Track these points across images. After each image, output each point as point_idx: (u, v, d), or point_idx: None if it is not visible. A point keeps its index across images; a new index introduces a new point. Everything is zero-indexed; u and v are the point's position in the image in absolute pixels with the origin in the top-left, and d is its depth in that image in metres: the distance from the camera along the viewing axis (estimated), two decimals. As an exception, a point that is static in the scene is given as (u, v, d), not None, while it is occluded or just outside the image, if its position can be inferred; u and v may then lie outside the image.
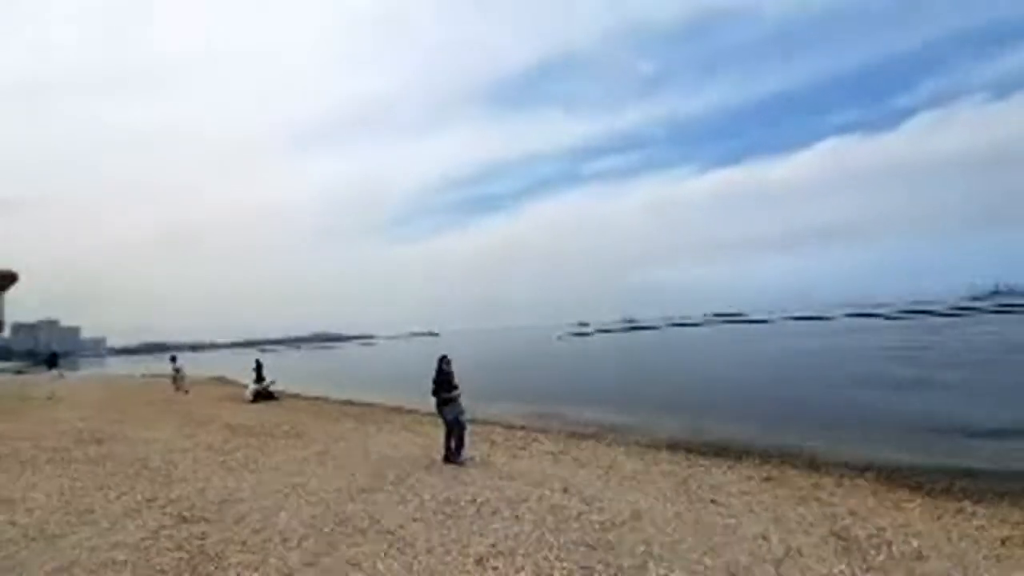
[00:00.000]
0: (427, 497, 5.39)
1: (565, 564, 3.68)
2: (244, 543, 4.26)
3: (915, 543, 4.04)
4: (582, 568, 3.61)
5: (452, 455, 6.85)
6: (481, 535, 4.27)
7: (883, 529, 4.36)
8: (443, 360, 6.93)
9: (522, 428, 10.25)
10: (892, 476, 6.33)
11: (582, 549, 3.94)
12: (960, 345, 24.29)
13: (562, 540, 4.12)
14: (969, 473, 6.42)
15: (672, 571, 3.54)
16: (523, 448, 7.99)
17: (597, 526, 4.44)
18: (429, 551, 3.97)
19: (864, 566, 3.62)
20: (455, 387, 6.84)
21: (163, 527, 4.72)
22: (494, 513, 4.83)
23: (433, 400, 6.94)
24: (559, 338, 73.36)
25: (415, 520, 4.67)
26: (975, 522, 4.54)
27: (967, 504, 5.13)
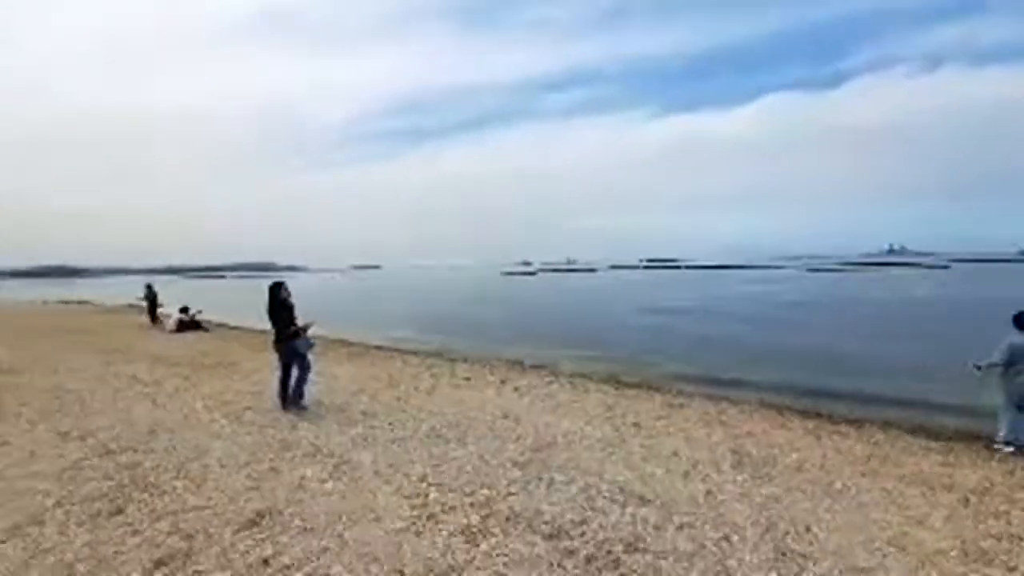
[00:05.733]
0: (372, 424, 5.54)
1: (503, 480, 4.01)
2: (179, 470, 4.22)
3: (795, 457, 4.77)
4: (518, 483, 3.95)
5: (292, 397, 6.04)
6: (426, 457, 4.50)
7: (772, 446, 5.09)
8: (280, 287, 5.96)
9: (465, 360, 10.56)
10: (783, 403, 7.30)
11: (519, 467, 4.29)
12: (846, 295, 27.69)
13: (501, 460, 4.45)
14: (846, 400, 7.56)
15: (598, 483, 3.98)
16: (466, 379, 8.29)
17: (533, 447, 4.82)
18: (376, 473, 4.15)
19: (755, 475, 4.25)
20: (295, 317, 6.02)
21: (86, 457, 4.54)
22: (438, 437, 5.08)
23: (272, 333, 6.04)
24: (503, 275, 74.37)
25: (361, 445, 4.82)
26: (848, 442, 5.39)
27: (843, 427, 6.06)
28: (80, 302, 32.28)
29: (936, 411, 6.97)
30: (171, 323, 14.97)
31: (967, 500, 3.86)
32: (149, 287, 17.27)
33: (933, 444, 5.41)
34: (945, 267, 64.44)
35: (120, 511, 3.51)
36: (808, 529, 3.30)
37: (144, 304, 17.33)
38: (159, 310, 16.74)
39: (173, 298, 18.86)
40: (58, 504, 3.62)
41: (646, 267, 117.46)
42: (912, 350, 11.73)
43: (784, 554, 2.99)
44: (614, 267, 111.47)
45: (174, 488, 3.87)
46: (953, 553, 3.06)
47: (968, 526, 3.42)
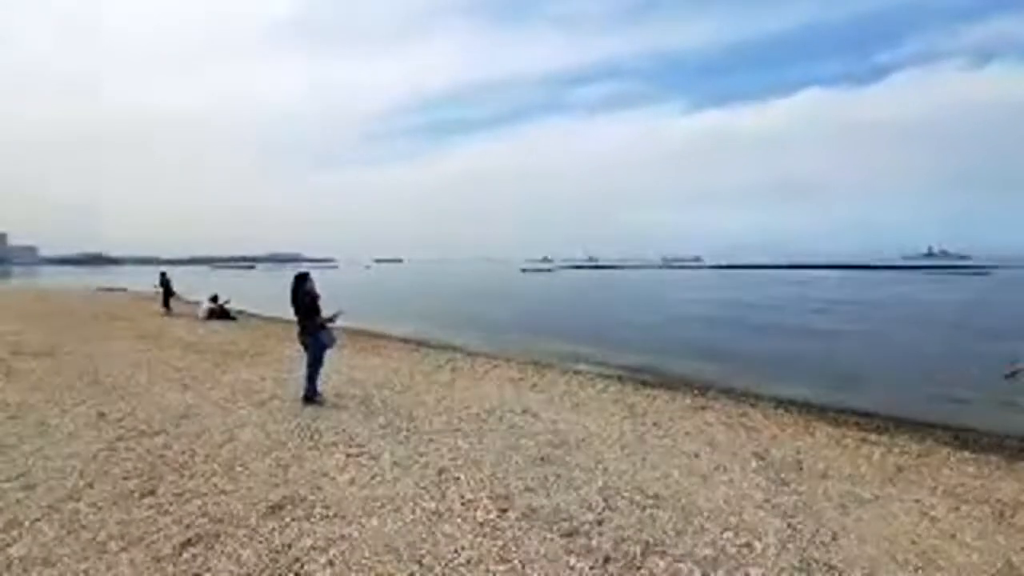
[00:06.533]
0: (392, 415, 5.62)
1: (521, 476, 4.02)
2: (208, 455, 4.36)
3: (822, 464, 4.64)
4: (536, 479, 3.96)
5: (313, 391, 6.07)
6: (445, 450, 4.55)
7: (797, 452, 4.96)
8: (304, 278, 5.94)
9: (484, 355, 10.61)
10: (809, 409, 7.11)
11: (537, 463, 4.29)
12: (872, 301, 26.70)
13: (520, 456, 4.46)
14: (876, 407, 7.30)
15: (617, 482, 3.95)
16: (485, 374, 8.33)
17: (552, 444, 4.81)
18: (395, 463, 4.21)
19: (778, 481, 4.16)
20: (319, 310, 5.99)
21: (120, 439, 4.73)
22: (456, 431, 5.12)
23: (298, 325, 6.04)
24: (523, 271, 74.44)
25: (381, 436, 4.90)
26: (877, 450, 5.22)
27: (872, 435, 5.86)
28: (115, 289, 33.57)
29: (971, 423, 6.68)
30: (201, 311, 15.47)
31: (1001, 514, 3.70)
32: (163, 275, 17.67)
33: (967, 455, 5.20)
34: (986, 272, 61.29)
35: (152, 492, 3.66)
36: (834, 539, 3.21)
37: (159, 291, 17.64)
38: (172, 298, 17.07)
39: (201, 287, 19.43)
40: (93, 483, 3.79)
41: (669, 266, 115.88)
42: (950, 358, 11.28)
43: (809, 564, 2.92)
44: (637, 266, 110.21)
45: (203, 471, 4.00)
46: (985, 568, 2.94)
47: (1001, 541, 3.28)
